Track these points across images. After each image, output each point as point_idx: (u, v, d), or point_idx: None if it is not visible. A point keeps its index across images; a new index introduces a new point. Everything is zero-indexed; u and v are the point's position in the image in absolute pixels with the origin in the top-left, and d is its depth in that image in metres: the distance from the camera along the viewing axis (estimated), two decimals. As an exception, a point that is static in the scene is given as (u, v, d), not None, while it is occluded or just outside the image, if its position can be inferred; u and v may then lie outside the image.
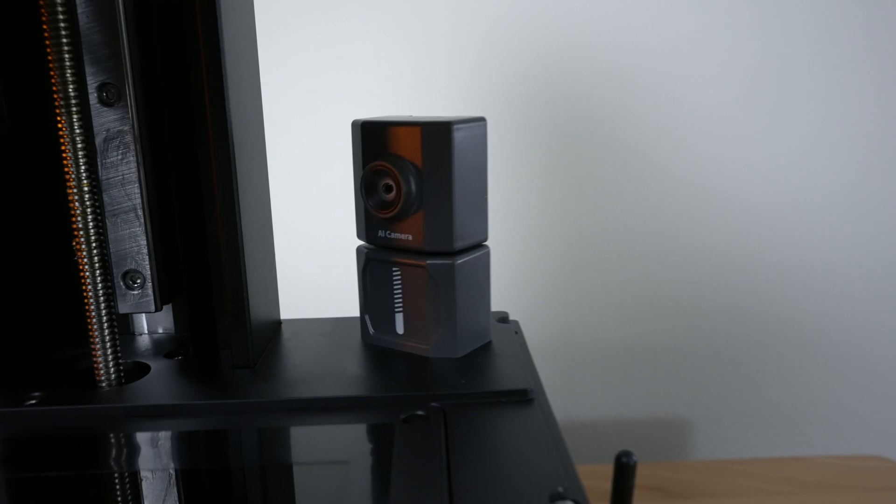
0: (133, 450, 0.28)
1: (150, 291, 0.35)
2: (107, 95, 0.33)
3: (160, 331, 0.38)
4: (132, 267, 0.35)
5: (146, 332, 0.38)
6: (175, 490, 0.25)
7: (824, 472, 0.56)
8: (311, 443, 0.27)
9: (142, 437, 0.28)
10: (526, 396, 0.29)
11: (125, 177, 0.34)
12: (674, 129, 0.54)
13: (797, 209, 0.56)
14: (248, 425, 0.28)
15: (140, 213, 0.34)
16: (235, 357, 0.32)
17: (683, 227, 0.56)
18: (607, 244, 0.56)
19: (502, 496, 0.22)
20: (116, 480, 0.26)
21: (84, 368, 0.34)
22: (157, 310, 0.36)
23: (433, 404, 0.29)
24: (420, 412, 0.28)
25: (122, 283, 0.33)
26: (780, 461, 0.58)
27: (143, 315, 0.39)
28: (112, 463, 0.27)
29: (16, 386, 0.31)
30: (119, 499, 0.25)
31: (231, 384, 0.31)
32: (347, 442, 0.27)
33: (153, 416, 0.29)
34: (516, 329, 0.36)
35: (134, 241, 0.35)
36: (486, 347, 0.34)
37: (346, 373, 0.32)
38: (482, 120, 0.32)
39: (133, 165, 0.34)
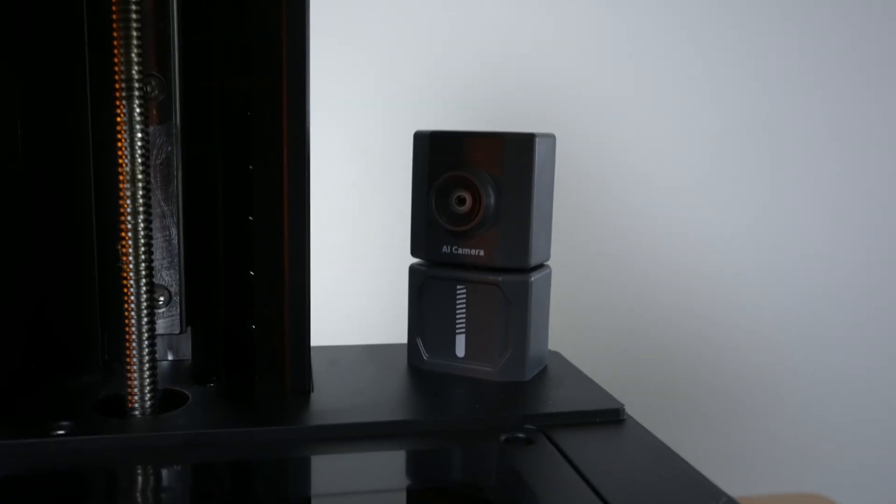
0: (198, 482, 0.24)
1: (175, 311, 0.31)
2: (148, 88, 0.30)
3: (169, 357, 0.34)
4: (157, 282, 0.31)
5: (154, 359, 0.34)
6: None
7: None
8: (418, 467, 0.25)
9: (202, 469, 0.25)
10: (619, 416, 0.28)
11: (159, 181, 0.31)
12: (635, 191, 0.56)
13: (747, 273, 0.59)
14: (333, 451, 0.25)
15: (172, 221, 0.31)
16: (292, 383, 0.29)
17: (620, 280, 0.58)
18: (563, 293, 0.57)
19: (670, 511, 0.21)
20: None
21: (105, 397, 0.29)
22: (181, 332, 0.32)
23: (528, 426, 0.27)
24: (520, 434, 0.26)
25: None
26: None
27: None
28: (176, 499, 0.23)
29: (34, 415, 0.26)
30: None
31: (295, 410, 0.28)
32: (460, 466, 0.25)
33: (206, 444, 0.26)
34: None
35: (162, 253, 0.31)
36: (546, 371, 0.33)
37: (414, 396, 0.30)
38: (552, 136, 0.32)
39: (171, 169, 0.30)
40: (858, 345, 0.63)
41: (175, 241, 0.31)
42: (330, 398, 0.29)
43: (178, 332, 0.32)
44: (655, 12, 0.54)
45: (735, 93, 0.57)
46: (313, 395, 0.29)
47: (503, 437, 0.26)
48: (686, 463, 0.24)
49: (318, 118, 0.45)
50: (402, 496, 0.23)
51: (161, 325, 0.32)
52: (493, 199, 0.30)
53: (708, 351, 0.60)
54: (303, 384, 0.29)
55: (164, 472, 0.25)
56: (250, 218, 0.31)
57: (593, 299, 0.57)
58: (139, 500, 0.23)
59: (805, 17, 0.57)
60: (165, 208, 0.31)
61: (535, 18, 0.52)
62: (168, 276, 0.31)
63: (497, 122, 0.52)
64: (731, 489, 0.62)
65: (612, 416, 0.28)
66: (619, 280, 0.57)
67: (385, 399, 0.29)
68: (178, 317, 0.31)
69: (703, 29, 0.55)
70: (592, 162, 0.55)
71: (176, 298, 0.31)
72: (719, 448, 0.63)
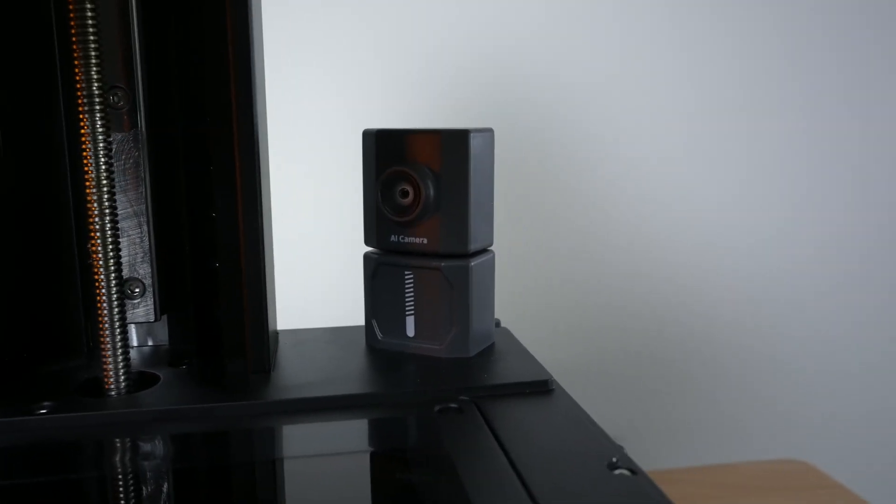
0: (162, 452, 0.27)
1: (149, 301, 0.35)
2: (115, 99, 0.33)
3: (149, 343, 0.37)
4: (132, 276, 0.34)
5: (135, 344, 0.37)
6: (244, 484, 0.25)
7: (751, 476, 0.60)
8: (355, 436, 0.28)
9: (171, 440, 0.28)
10: (547, 387, 0.31)
11: (129, 183, 0.33)
12: (610, 166, 0.59)
13: (712, 244, 0.62)
14: (285, 423, 0.28)
15: (143, 220, 0.34)
16: (253, 362, 0.32)
17: (608, 255, 0.60)
18: (535, 269, 0.59)
19: (566, 469, 0.24)
20: (151, 482, 0.26)
21: (84, 380, 0.32)
22: (156, 320, 0.35)
23: (462, 397, 0.30)
24: (453, 405, 0.29)
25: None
26: (709, 468, 0.62)
27: (132, 327, 0.37)
28: (143, 466, 0.26)
29: (20, 396, 0.30)
30: (169, 499, 0.25)
31: (255, 387, 0.31)
32: (393, 434, 0.28)
33: (174, 419, 0.29)
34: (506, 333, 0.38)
35: (135, 248, 0.34)
36: (492, 348, 0.36)
37: (365, 373, 0.33)
38: (490, 130, 0.34)
39: (139, 171, 0.33)
40: (838, 312, 0.65)
41: (146, 238, 0.34)
42: (289, 376, 0.32)
43: (153, 320, 0.35)
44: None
45: (710, 70, 0.59)
46: (274, 374, 0.32)
47: (437, 408, 0.29)
48: (596, 425, 0.27)
49: (277, 119, 0.47)
50: (332, 461, 0.26)
51: (139, 314, 0.35)
52: (432, 191, 0.33)
53: (695, 321, 0.63)
54: (263, 364, 0.32)
55: (135, 444, 0.28)
56: (213, 214, 0.34)
57: (579, 277, 0.59)
58: (115, 466, 0.27)
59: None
60: (136, 208, 0.34)
61: (508, 3, 0.54)
62: (142, 270, 0.34)
63: (476, 109, 0.55)
64: (715, 456, 0.65)
65: (541, 387, 0.31)
66: (602, 257, 0.60)
67: (339, 376, 0.32)
68: (153, 306, 0.35)
69: (680, 8, 0.57)
70: (574, 143, 0.58)
71: (150, 290, 0.35)
72: (705, 416, 0.65)
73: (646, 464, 0.65)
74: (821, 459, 0.66)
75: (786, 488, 0.59)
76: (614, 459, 0.24)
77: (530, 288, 0.59)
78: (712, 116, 0.60)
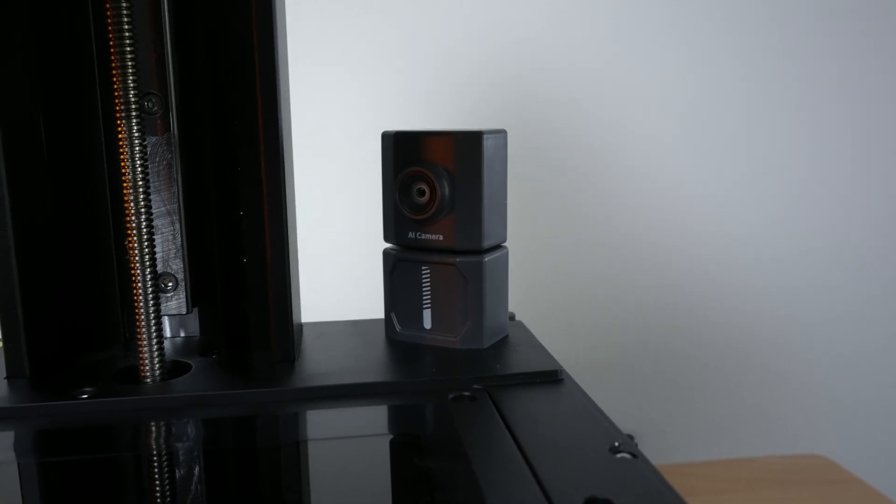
0: (194, 435, 0.29)
1: (182, 295, 0.37)
2: (149, 105, 0.35)
3: (181, 334, 0.39)
4: (165, 270, 0.36)
5: (168, 335, 0.39)
6: (274, 464, 0.27)
7: (768, 470, 0.61)
8: (374, 421, 0.29)
9: (202, 424, 0.30)
10: (557, 377, 0.33)
11: (162, 183, 0.36)
12: (626, 158, 0.60)
13: (729, 234, 0.62)
14: (308, 409, 0.30)
15: (175, 218, 0.36)
16: (277, 352, 0.34)
17: (628, 250, 0.61)
18: (553, 263, 0.60)
19: (570, 453, 0.25)
20: (186, 461, 0.28)
21: (122, 368, 0.34)
22: (187, 312, 0.37)
23: (475, 386, 0.32)
24: (466, 393, 0.31)
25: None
26: (726, 462, 0.63)
27: (166, 319, 0.39)
28: (176, 447, 0.28)
29: (63, 383, 0.32)
30: (206, 475, 0.26)
31: (280, 375, 0.33)
32: (409, 420, 0.29)
33: (204, 405, 0.31)
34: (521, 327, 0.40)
35: (168, 245, 0.36)
36: (506, 340, 0.37)
37: (384, 363, 0.34)
38: (504, 131, 0.36)
39: (171, 172, 0.35)
40: (859, 303, 0.66)
41: (178, 235, 0.36)
42: (312, 365, 0.34)
43: (185, 312, 0.37)
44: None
45: (707, 60, 0.59)
46: (298, 363, 0.34)
47: (451, 396, 0.31)
48: (602, 413, 0.29)
49: (303, 123, 0.49)
50: (352, 444, 0.28)
51: (171, 307, 0.37)
52: (448, 190, 0.34)
53: (712, 314, 0.63)
54: (288, 354, 0.34)
55: (169, 427, 0.30)
56: (241, 213, 0.36)
57: (597, 271, 0.61)
58: (150, 447, 0.29)
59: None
60: (169, 207, 0.36)
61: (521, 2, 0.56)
62: (175, 265, 0.37)
63: (489, 106, 0.56)
64: (733, 450, 0.65)
65: (551, 377, 0.32)
66: (617, 251, 0.61)
67: (359, 366, 0.34)
68: (185, 299, 0.37)
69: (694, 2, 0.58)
70: (585, 138, 0.59)
71: (182, 284, 0.37)
72: (709, 417, 0.66)
73: (663, 457, 0.66)
74: (841, 454, 0.66)
75: (804, 483, 0.60)
76: (616, 444, 0.26)
77: (548, 282, 0.60)
78: (732, 109, 0.60)
